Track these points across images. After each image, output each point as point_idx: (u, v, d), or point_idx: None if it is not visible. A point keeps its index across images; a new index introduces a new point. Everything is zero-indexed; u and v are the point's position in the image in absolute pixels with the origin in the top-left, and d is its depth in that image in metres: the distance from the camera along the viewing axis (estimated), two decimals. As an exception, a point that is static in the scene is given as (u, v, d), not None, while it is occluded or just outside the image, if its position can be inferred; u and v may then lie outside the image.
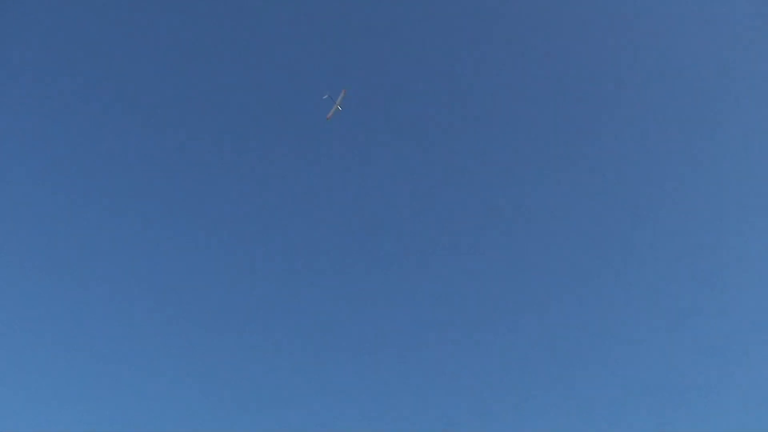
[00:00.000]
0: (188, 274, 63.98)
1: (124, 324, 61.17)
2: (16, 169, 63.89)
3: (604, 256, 66.00)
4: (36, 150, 64.86)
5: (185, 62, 68.28)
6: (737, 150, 67.12)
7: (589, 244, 66.46)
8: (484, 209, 67.87)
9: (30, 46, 64.96)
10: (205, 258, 64.84)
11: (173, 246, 64.66)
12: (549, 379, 60.22)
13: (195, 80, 68.06)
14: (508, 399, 59.25)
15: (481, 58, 69.85)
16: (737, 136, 67.19)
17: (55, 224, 63.90)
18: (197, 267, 64.33)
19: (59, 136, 65.84)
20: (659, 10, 67.92)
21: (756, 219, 64.61)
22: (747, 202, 65.49)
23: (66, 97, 66.45)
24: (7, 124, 64.39)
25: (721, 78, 67.52)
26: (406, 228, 67.13)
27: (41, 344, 59.26)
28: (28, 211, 63.54)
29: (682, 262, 65.14)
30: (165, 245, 64.65)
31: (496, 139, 69.82)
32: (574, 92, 69.50)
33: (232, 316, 62.67)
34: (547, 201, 67.69)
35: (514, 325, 63.25)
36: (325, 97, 55.63)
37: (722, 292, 63.42)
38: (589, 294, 64.69)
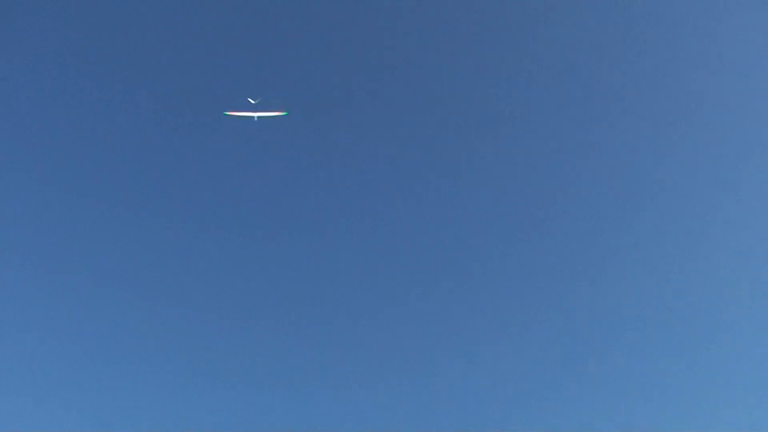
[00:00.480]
0: (185, 272, 64.06)
1: (121, 323, 61.24)
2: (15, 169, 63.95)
3: (604, 255, 66.20)
4: (36, 150, 64.90)
5: (179, 61, 68.18)
6: (738, 150, 67.43)
7: (588, 244, 66.64)
8: (483, 211, 68.03)
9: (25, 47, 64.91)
10: (202, 256, 64.90)
11: (170, 243, 64.74)
12: (550, 380, 60.47)
13: (189, 80, 67.96)
14: (507, 399, 59.54)
15: (471, 59, 69.86)
16: (738, 136, 67.49)
17: (53, 224, 63.94)
18: (194, 265, 64.41)
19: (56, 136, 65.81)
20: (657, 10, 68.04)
21: (756, 219, 64.89)
22: (747, 204, 65.74)
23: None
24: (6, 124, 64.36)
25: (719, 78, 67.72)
26: (406, 228, 67.27)
27: (41, 344, 59.36)
28: (29, 211, 63.58)
29: (681, 260, 65.43)
30: (162, 244, 64.71)
31: (493, 140, 69.90)
32: (572, 91, 69.61)
33: (229, 314, 62.76)
34: (547, 201, 67.83)
35: (513, 326, 63.45)
36: (253, 102, 55.78)
37: (724, 289, 63.76)
38: (589, 294, 64.91)
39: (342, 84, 69.47)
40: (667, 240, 66.06)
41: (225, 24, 68.74)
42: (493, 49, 70.45)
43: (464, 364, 61.10)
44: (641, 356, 61.28)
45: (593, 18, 70.27)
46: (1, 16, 60.53)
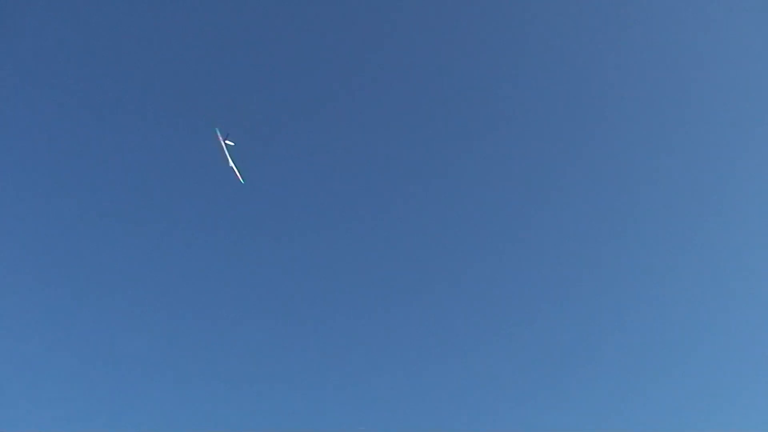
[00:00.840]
0: (185, 274, 64.25)
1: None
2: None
3: (599, 256, 66.31)
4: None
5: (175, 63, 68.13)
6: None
7: (584, 243, 66.70)
8: (480, 209, 68.16)
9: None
10: (203, 257, 65.01)
11: (167, 245, 64.87)
12: (546, 380, 60.56)
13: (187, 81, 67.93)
14: (504, 399, 59.67)
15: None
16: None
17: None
18: (195, 267, 64.56)
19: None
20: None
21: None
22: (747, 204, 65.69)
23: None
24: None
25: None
26: (401, 229, 67.40)
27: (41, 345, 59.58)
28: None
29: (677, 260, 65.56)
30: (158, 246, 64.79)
31: (486, 140, 69.89)
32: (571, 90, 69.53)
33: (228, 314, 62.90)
34: (544, 200, 67.89)
35: (509, 326, 63.60)
36: (230, 143, 57.48)
37: (723, 290, 63.83)
38: (585, 294, 65.05)
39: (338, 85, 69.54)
40: (663, 240, 66.17)
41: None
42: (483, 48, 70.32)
43: (461, 365, 61.26)
44: (638, 357, 61.43)
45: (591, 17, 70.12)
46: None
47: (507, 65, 70.00)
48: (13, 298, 60.75)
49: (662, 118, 68.29)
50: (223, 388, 59.41)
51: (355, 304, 64.31)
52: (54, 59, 65.50)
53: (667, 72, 68.53)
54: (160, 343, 60.93)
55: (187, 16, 67.70)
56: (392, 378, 60.56)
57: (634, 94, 68.82)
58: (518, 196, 68.47)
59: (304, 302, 64.13)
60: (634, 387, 59.92)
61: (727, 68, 67.35)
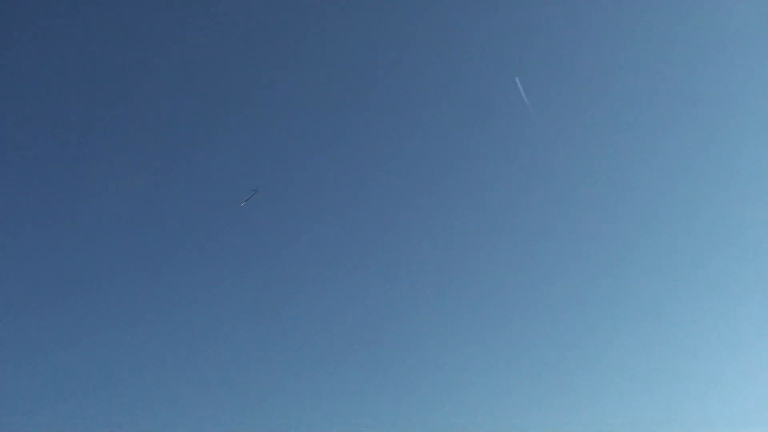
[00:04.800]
0: (186, 275, 64.47)
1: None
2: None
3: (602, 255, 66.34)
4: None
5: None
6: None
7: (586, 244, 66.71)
8: (479, 208, 68.26)
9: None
10: (203, 259, 65.24)
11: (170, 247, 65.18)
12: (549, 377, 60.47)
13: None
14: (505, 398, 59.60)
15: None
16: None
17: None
18: (195, 268, 64.79)
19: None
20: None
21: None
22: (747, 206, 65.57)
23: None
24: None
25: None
26: (400, 228, 67.53)
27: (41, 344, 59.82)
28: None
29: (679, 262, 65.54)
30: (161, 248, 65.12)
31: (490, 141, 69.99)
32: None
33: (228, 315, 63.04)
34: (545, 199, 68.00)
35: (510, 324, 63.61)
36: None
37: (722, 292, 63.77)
38: (587, 294, 65.03)
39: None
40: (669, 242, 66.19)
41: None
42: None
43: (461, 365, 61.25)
44: (642, 358, 61.35)
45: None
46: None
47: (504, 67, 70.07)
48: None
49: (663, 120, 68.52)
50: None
51: (356, 299, 64.51)
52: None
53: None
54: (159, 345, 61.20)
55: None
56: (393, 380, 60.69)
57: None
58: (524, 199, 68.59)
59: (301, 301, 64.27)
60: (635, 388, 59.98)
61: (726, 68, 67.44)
